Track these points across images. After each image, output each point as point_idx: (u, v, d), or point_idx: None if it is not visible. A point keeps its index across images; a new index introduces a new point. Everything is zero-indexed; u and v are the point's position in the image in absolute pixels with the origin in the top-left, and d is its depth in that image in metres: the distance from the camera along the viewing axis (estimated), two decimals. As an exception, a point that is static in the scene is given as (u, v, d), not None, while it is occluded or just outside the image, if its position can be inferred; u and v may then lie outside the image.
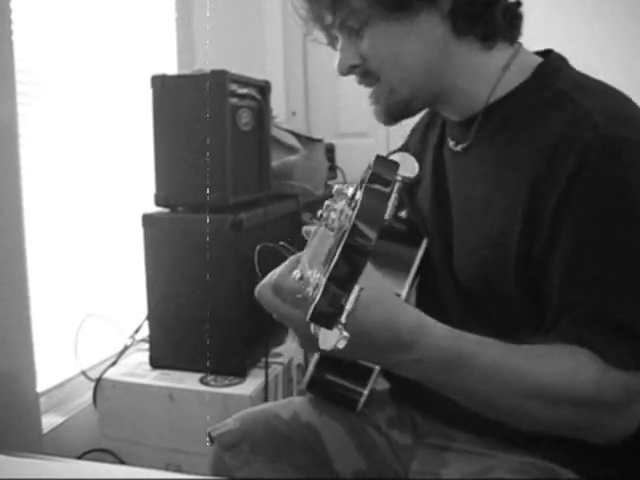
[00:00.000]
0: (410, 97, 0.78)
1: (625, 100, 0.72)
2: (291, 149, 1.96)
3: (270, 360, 1.62)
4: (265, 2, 2.79)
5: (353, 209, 0.47)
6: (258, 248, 0.69)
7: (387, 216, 0.47)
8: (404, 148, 1.03)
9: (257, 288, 0.68)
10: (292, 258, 0.66)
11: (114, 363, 1.72)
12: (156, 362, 1.66)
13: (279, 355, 1.73)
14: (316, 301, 0.44)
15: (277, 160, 1.89)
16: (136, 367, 1.67)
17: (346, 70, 0.79)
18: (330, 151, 2.50)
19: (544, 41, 0.81)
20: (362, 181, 0.50)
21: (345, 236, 0.45)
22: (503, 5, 0.75)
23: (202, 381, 1.58)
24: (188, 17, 2.26)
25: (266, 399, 1.55)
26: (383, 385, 0.95)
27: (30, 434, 1.45)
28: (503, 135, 0.76)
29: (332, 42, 0.81)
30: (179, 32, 2.23)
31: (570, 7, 2.16)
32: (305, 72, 2.88)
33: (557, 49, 0.80)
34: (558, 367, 0.65)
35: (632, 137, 0.66)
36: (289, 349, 1.77)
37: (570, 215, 0.66)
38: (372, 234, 0.45)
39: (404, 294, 0.85)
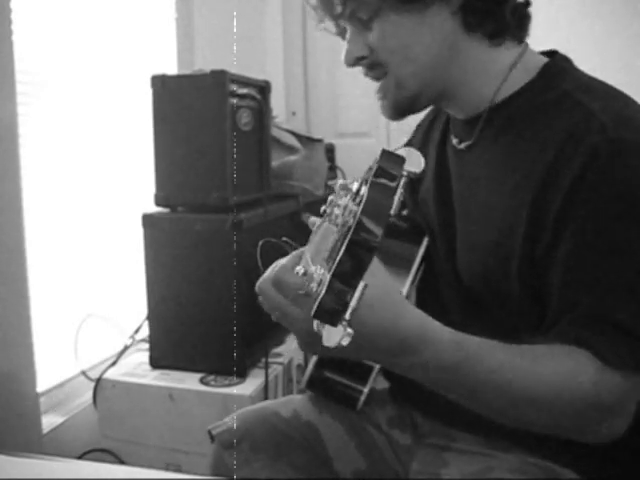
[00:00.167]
0: (417, 92, 0.78)
1: (628, 101, 0.72)
2: (291, 149, 1.96)
3: (270, 360, 1.62)
4: (265, 2, 2.80)
5: (358, 204, 0.46)
6: (261, 243, 0.69)
7: (393, 211, 0.47)
8: (409, 145, 1.03)
9: (258, 283, 0.67)
10: (294, 253, 0.66)
11: (114, 363, 1.72)
12: (156, 362, 1.66)
13: (279, 355, 1.73)
14: (320, 297, 0.44)
15: (277, 160, 1.89)
16: (136, 367, 1.67)
17: (353, 61, 0.79)
18: (330, 151, 2.50)
19: (544, 41, 0.81)
20: (367, 176, 0.50)
21: (350, 231, 0.44)
22: (512, 4, 0.75)
23: (202, 381, 1.58)
24: (188, 17, 2.26)
25: (266, 399, 1.55)
26: (383, 384, 0.95)
27: (30, 434, 1.45)
28: (507, 135, 0.76)
29: (341, 33, 0.80)
30: (179, 32, 2.23)
31: (570, 7, 2.16)
32: (305, 72, 2.89)
33: (557, 49, 0.80)
34: (557, 368, 0.65)
35: (637, 139, 0.66)
36: (289, 349, 1.78)
37: (573, 216, 0.66)
38: (378, 229, 0.44)
39: (405, 292, 0.85)
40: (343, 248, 0.44)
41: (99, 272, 1.81)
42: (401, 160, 0.50)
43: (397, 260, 0.88)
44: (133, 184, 1.90)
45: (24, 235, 1.41)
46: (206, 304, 1.59)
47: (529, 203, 0.70)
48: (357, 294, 0.44)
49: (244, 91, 1.64)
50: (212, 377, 1.59)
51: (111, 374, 1.64)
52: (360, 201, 0.46)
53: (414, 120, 0.95)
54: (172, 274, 1.62)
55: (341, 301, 0.44)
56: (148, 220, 1.62)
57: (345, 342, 0.45)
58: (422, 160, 0.69)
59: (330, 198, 0.56)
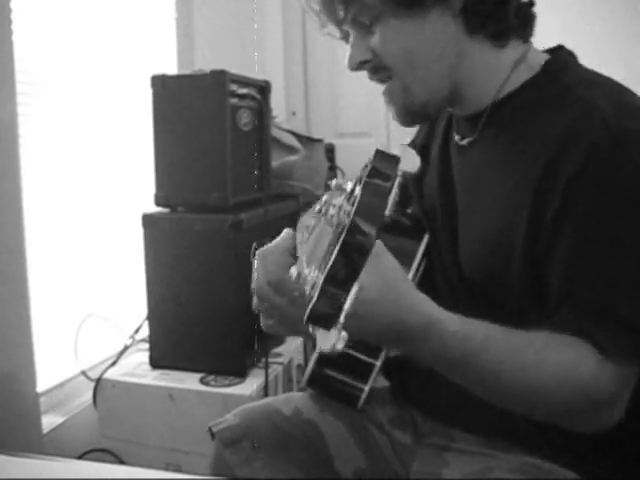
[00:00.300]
0: (426, 99, 0.78)
1: (630, 93, 0.72)
2: (291, 149, 1.96)
3: (270, 360, 1.62)
4: (265, 2, 2.79)
5: (352, 204, 0.46)
6: (254, 245, 0.68)
7: (388, 212, 0.46)
8: (412, 143, 1.03)
9: (254, 285, 0.67)
10: (284, 247, 0.65)
11: (114, 363, 1.72)
12: (156, 362, 1.66)
13: (279, 355, 1.73)
14: (313, 302, 0.43)
15: (277, 160, 1.89)
16: (136, 367, 1.67)
17: (356, 65, 0.79)
18: (330, 151, 2.50)
19: (544, 41, 0.81)
20: (361, 176, 0.49)
21: (343, 233, 0.44)
22: (515, 5, 0.75)
23: (202, 381, 1.58)
24: (188, 17, 2.26)
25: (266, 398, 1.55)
26: (383, 382, 0.95)
27: (30, 434, 1.45)
28: (509, 132, 0.76)
29: (345, 37, 0.80)
30: (179, 32, 2.23)
31: (570, 7, 2.16)
32: (305, 72, 2.88)
33: (563, 44, 0.80)
34: (559, 359, 0.65)
35: (638, 128, 0.66)
36: (289, 349, 1.78)
37: (574, 211, 0.66)
38: (371, 231, 0.44)
39: None
40: (336, 251, 0.43)
41: (99, 272, 1.80)
42: (396, 160, 0.50)
43: (399, 256, 0.88)
44: (133, 184, 1.90)
45: (24, 235, 1.41)
46: (206, 304, 1.59)
47: (530, 202, 0.70)
48: (350, 298, 0.43)
49: (244, 91, 1.64)
50: (212, 377, 1.59)
51: (111, 374, 1.64)
52: (354, 201, 0.46)
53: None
54: (172, 274, 1.62)
55: (334, 305, 0.43)
56: (148, 220, 1.62)
57: (340, 346, 0.44)
58: (417, 159, 0.68)
59: (325, 197, 0.56)
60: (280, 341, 1.79)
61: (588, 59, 0.79)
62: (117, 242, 1.86)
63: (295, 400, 0.92)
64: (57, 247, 1.66)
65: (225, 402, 1.50)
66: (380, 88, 0.81)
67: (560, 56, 0.78)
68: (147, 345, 1.70)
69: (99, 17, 1.80)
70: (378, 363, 0.85)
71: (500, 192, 0.74)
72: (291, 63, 2.85)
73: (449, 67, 0.76)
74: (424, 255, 0.89)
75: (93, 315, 1.77)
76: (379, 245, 0.56)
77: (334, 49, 2.41)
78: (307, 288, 0.47)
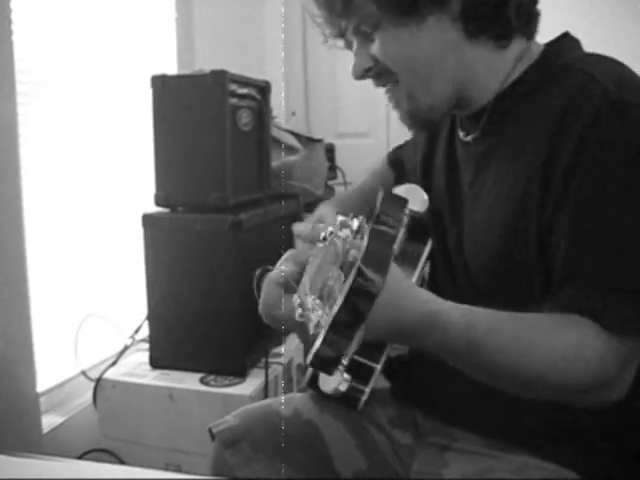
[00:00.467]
0: (431, 104, 0.78)
1: (629, 70, 0.72)
2: (291, 149, 1.96)
3: (270, 360, 1.62)
4: (265, 2, 2.80)
5: (358, 238, 0.45)
6: (258, 272, 0.68)
7: (393, 256, 0.45)
8: (412, 141, 1.02)
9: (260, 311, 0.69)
10: (288, 272, 0.65)
11: (114, 363, 1.72)
12: (156, 362, 1.66)
13: (279, 355, 1.73)
14: (316, 348, 0.43)
15: (277, 160, 1.89)
16: (136, 367, 1.67)
17: (360, 74, 0.79)
18: (330, 151, 2.50)
19: (543, 40, 0.81)
20: (369, 214, 0.48)
21: (349, 281, 0.43)
22: (516, 4, 0.74)
23: (202, 381, 1.58)
24: (188, 17, 2.26)
25: (266, 399, 1.55)
26: (383, 383, 0.94)
27: (30, 434, 1.45)
28: (514, 118, 0.76)
29: (349, 46, 0.81)
30: (179, 32, 2.23)
31: (570, 7, 2.16)
32: (305, 72, 2.89)
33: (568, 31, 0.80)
34: (564, 342, 0.65)
35: (636, 102, 0.66)
36: (289, 349, 1.78)
37: (577, 179, 0.67)
38: (378, 278, 0.43)
39: None
40: (341, 299, 0.43)
41: (99, 272, 1.81)
42: (403, 202, 0.49)
43: (402, 259, 0.88)
44: (133, 184, 1.90)
45: (24, 235, 1.41)
46: (206, 304, 1.60)
47: (540, 172, 0.70)
48: (355, 343, 0.43)
49: (244, 91, 1.64)
50: (212, 377, 1.59)
51: (111, 374, 1.64)
52: (362, 239, 0.45)
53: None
54: (172, 274, 1.62)
55: (338, 351, 0.43)
56: (148, 220, 1.62)
57: (343, 388, 0.44)
58: (425, 197, 0.68)
59: (330, 229, 0.55)
60: (280, 341, 1.79)
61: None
62: (117, 242, 1.86)
63: (295, 401, 0.92)
64: (57, 247, 1.66)
65: (225, 402, 1.50)
66: (380, 89, 0.82)
67: (558, 41, 0.78)
68: (147, 345, 1.70)
69: (99, 17, 1.80)
70: (379, 366, 0.85)
71: (510, 176, 0.74)
72: (291, 63, 2.85)
73: (451, 72, 0.76)
74: (428, 258, 0.88)
75: (93, 315, 1.77)
76: None
77: (334, 49, 2.41)
78: (311, 326, 0.46)
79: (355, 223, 0.51)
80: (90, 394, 1.66)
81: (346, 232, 0.51)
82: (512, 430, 0.79)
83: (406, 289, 0.62)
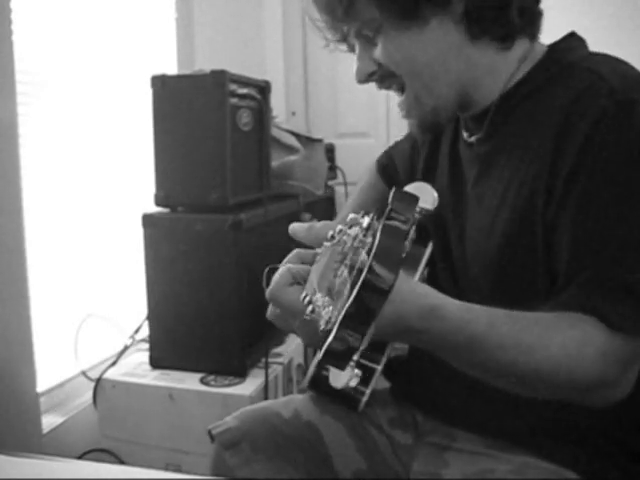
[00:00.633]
0: (435, 105, 0.78)
1: (632, 67, 0.72)
2: (291, 149, 1.96)
3: (270, 360, 1.62)
4: (265, 2, 2.79)
5: (368, 237, 0.45)
6: (266, 270, 0.68)
7: (405, 254, 0.45)
8: (405, 140, 1.02)
9: (268, 315, 0.69)
10: (294, 270, 0.65)
11: (114, 363, 1.72)
12: (156, 362, 1.66)
13: (279, 355, 1.73)
14: (328, 343, 0.43)
15: (277, 160, 1.89)
16: (136, 367, 1.67)
17: (364, 78, 0.79)
18: (330, 151, 2.50)
19: (548, 40, 0.81)
20: (378, 212, 0.48)
21: (361, 277, 0.43)
22: (518, 6, 0.74)
23: (202, 381, 1.58)
24: (188, 17, 2.26)
25: (266, 399, 1.55)
26: (383, 384, 0.94)
27: (30, 434, 1.45)
28: (518, 118, 0.76)
29: (351, 49, 0.81)
30: (179, 32, 2.23)
31: (569, 7, 2.16)
32: (305, 72, 2.88)
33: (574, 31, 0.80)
34: (565, 341, 0.64)
35: None
36: (289, 349, 1.78)
37: (582, 178, 0.66)
38: (390, 275, 0.43)
39: None
40: (353, 295, 0.43)
41: (99, 272, 1.81)
42: (414, 200, 0.49)
43: (404, 261, 0.87)
44: (133, 184, 1.90)
45: (24, 235, 1.41)
46: (206, 304, 1.60)
47: (546, 172, 0.69)
48: (366, 340, 0.43)
49: (244, 91, 1.64)
50: (212, 377, 1.59)
51: (111, 374, 1.64)
52: (372, 236, 0.45)
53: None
54: (172, 274, 1.62)
55: (349, 347, 0.43)
56: (148, 220, 1.62)
57: (353, 383, 0.44)
58: (435, 195, 0.67)
59: (339, 227, 0.55)
60: (280, 341, 1.79)
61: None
62: (117, 242, 1.86)
63: (295, 402, 0.92)
64: (57, 247, 1.66)
65: (225, 402, 1.50)
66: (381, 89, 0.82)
67: (564, 41, 0.78)
68: (147, 345, 1.70)
69: (99, 17, 1.80)
70: (379, 367, 0.85)
71: (515, 177, 0.74)
72: (291, 63, 2.85)
73: (455, 74, 0.76)
74: (429, 260, 0.88)
75: (93, 315, 1.77)
76: None
77: (334, 49, 2.41)
78: (322, 323, 0.46)
79: (366, 220, 0.50)
80: (90, 394, 1.66)
81: (356, 230, 0.51)
82: (512, 430, 0.79)
83: (405, 284, 0.62)
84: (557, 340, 0.64)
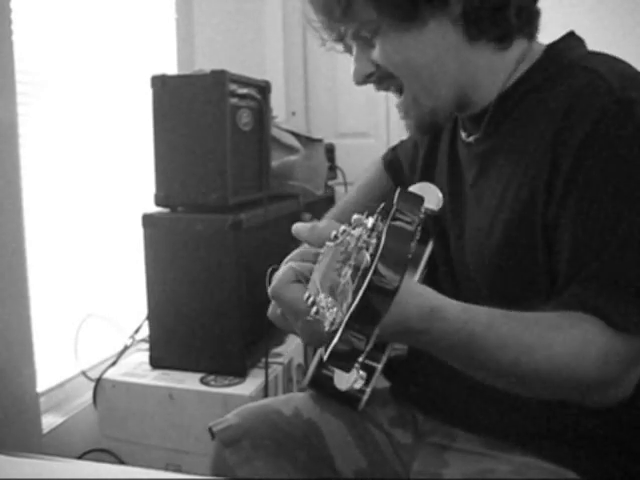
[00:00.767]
0: (433, 106, 0.78)
1: (630, 66, 0.72)
2: (291, 149, 1.96)
3: (270, 360, 1.62)
4: (265, 2, 2.80)
5: (373, 238, 0.45)
6: (269, 271, 0.67)
7: (410, 255, 0.45)
8: (409, 140, 1.02)
9: (269, 315, 0.69)
10: (298, 268, 0.65)
11: (114, 363, 1.72)
12: (156, 362, 1.66)
13: (279, 355, 1.73)
14: (333, 345, 0.43)
15: (277, 160, 1.89)
16: (136, 367, 1.67)
17: (362, 79, 0.79)
18: (330, 151, 2.50)
19: (547, 40, 0.81)
20: (383, 213, 0.48)
21: (366, 280, 0.42)
22: (516, 6, 0.74)
23: (202, 381, 1.58)
24: (188, 17, 2.26)
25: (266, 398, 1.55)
26: (383, 383, 0.95)
27: (30, 434, 1.45)
28: (516, 118, 0.76)
29: (348, 50, 0.81)
30: (179, 32, 2.23)
31: (568, 6, 2.16)
32: (305, 72, 2.89)
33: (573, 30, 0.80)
34: (566, 340, 0.64)
35: None
36: (289, 349, 1.78)
37: (581, 178, 0.66)
38: (396, 277, 0.43)
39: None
40: (359, 297, 0.42)
41: (99, 272, 1.81)
42: (420, 200, 0.48)
43: None
44: (133, 184, 1.90)
45: (24, 235, 1.41)
46: (206, 304, 1.60)
47: (546, 171, 0.69)
48: (371, 341, 0.43)
49: (244, 91, 1.64)
50: (212, 377, 1.59)
51: (111, 374, 1.64)
52: (377, 237, 0.44)
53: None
54: (172, 274, 1.62)
55: (354, 349, 0.43)
56: (148, 220, 1.62)
57: (358, 385, 0.44)
58: (440, 195, 0.67)
59: (342, 228, 0.55)
60: (280, 341, 1.79)
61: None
62: (117, 242, 1.86)
63: (295, 400, 0.92)
64: (57, 247, 1.66)
65: (225, 402, 1.50)
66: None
67: (562, 40, 0.78)
68: (147, 345, 1.70)
69: (99, 17, 1.80)
70: (380, 366, 0.85)
71: (515, 177, 0.74)
72: (291, 63, 2.85)
73: (453, 74, 0.76)
74: (429, 259, 0.88)
75: (93, 315, 1.77)
76: None
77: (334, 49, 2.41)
78: (326, 324, 0.46)
79: (370, 221, 0.50)
80: (90, 394, 1.66)
81: (359, 230, 0.50)
82: (512, 430, 0.79)
83: (404, 284, 0.61)
84: (558, 340, 0.64)
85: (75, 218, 1.72)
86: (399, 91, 0.79)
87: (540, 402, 0.70)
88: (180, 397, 1.55)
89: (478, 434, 0.82)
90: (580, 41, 0.78)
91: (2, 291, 1.36)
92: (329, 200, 2.39)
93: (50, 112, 1.63)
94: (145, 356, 1.69)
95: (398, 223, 0.45)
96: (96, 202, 1.78)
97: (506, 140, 0.77)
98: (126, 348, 1.78)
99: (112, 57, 1.84)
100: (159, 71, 1.62)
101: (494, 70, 0.77)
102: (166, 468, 1.57)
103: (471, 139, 0.82)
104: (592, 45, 0.78)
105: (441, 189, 0.88)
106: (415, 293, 0.61)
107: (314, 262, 0.60)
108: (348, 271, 0.47)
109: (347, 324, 0.42)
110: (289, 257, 0.69)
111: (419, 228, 0.47)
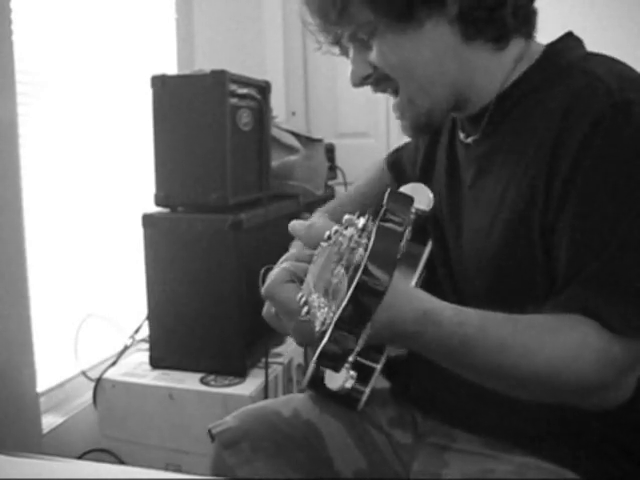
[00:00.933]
0: (430, 107, 0.78)
1: (629, 67, 0.72)
2: (291, 149, 1.96)
3: (270, 360, 1.62)
4: (265, 2, 2.79)
5: (364, 238, 0.45)
6: (263, 271, 0.68)
7: (400, 255, 0.45)
8: (412, 142, 1.02)
9: (264, 314, 0.68)
10: (292, 269, 0.65)
11: (114, 363, 1.72)
12: (156, 362, 1.66)
13: (279, 355, 1.73)
14: (323, 344, 0.43)
15: (277, 160, 1.89)
16: (136, 367, 1.67)
17: (359, 81, 0.79)
18: (330, 151, 2.50)
19: (545, 40, 0.81)
20: (374, 213, 0.48)
21: (355, 278, 0.43)
22: (512, 5, 0.74)
23: (202, 381, 1.58)
24: (188, 17, 2.26)
25: (266, 399, 1.55)
26: (383, 383, 0.94)
27: (30, 434, 1.45)
28: (515, 119, 0.76)
29: (344, 53, 0.80)
30: (179, 32, 2.23)
31: (569, 6, 2.16)
32: (305, 72, 2.88)
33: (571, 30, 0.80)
34: (562, 343, 0.64)
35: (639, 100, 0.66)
36: (289, 349, 1.78)
37: (580, 179, 0.66)
38: (385, 276, 0.43)
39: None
40: (348, 296, 0.43)
41: (99, 272, 1.81)
42: (409, 201, 0.48)
43: (403, 260, 0.87)
44: (133, 184, 1.90)
45: (24, 235, 1.41)
46: (206, 304, 1.60)
47: (545, 173, 0.69)
48: (361, 341, 0.43)
49: (244, 91, 1.64)
50: (212, 377, 1.59)
51: (111, 374, 1.64)
52: (368, 237, 0.45)
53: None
54: (172, 274, 1.62)
55: (345, 348, 0.43)
56: (148, 220, 1.62)
57: (349, 385, 0.44)
58: (431, 196, 0.67)
59: (335, 228, 0.55)
60: (280, 341, 1.79)
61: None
62: (117, 242, 1.86)
63: (294, 401, 0.92)
64: (57, 247, 1.66)
65: (225, 402, 1.50)
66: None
67: (561, 41, 0.78)
68: (147, 345, 1.70)
69: (99, 17, 1.80)
70: (378, 367, 0.85)
71: (513, 178, 0.74)
72: (291, 63, 2.85)
73: (450, 75, 0.76)
74: (428, 260, 0.88)
75: (93, 315, 1.77)
76: None
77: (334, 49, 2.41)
78: (317, 324, 0.46)
79: (361, 221, 0.50)
80: (90, 394, 1.66)
81: (351, 231, 0.50)
82: (512, 430, 0.79)
83: (399, 287, 0.62)
84: (553, 342, 0.64)
85: (75, 218, 1.72)
86: (396, 92, 0.79)
87: (540, 402, 0.70)
88: (180, 397, 1.55)
89: (478, 434, 0.82)
90: (578, 41, 0.78)
91: (2, 291, 1.36)
92: (329, 200, 2.39)
93: (50, 112, 1.63)
94: (145, 356, 1.69)
95: (387, 224, 0.46)
96: (96, 202, 1.78)
97: (505, 141, 0.77)
98: (126, 348, 1.78)
99: (112, 57, 1.84)
100: (159, 71, 1.62)
101: (491, 70, 0.77)
102: (166, 468, 1.57)
103: (470, 140, 0.82)
104: (590, 45, 0.78)
105: (439, 190, 0.89)
106: (409, 296, 0.61)
107: (309, 263, 0.60)
108: (341, 271, 0.47)
109: (336, 324, 0.43)
110: (284, 257, 0.69)
111: (409, 228, 0.47)
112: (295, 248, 0.83)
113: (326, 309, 0.46)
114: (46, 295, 1.59)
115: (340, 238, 0.51)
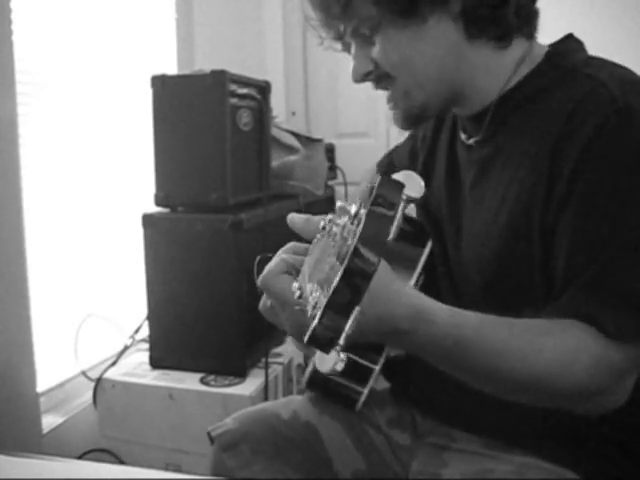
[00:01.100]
0: (425, 101, 0.78)
1: (632, 72, 0.72)
2: (291, 149, 1.96)
3: (270, 360, 1.62)
4: (265, 2, 2.80)
5: (356, 226, 0.46)
6: (257, 259, 0.68)
7: (390, 238, 0.46)
8: (406, 143, 1.02)
9: (260, 307, 0.68)
10: (289, 260, 0.65)
11: (114, 363, 1.72)
12: (156, 362, 1.66)
13: (279, 355, 1.73)
14: (314, 325, 0.44)
15: (277, 160, 1.89)
16: (136, 367, 1.67)
17: (360, 77, 0.79)
18: (330, 151, 2.50)
19: (542, 39, 0.81)
20: (365, 199, 0.49)
21: (346, 260, 0.44)
22: (515, 5, 0.74)
23: (202, 381, 1.58)
24: (188, 17, 2.26)
25: (266, 399, 1.55)
26: (383, 384, 0.95)
27: (30, 434, 1.45)
28: (517, 122, 0.76)
29: (346, 49, 0.80)
30: (179, 32, 2.23)
31: (569, 6, 2.16)
32: (305, 72, 2.89)
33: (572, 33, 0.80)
34: (557, 348, 0.64)
35: None
36: (289, 349, 1.78)
37: (580, 184, 0.66)
38: (374, 258, 0.44)
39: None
40: (338, 277, 0.43)
41: (99, 272, 1.81)
42: (400, 186, 0.49)
43: (401, 262, 0.87)
44: (133, 184, 1.90)
45: (24, 235, 1.41)
46: (206, 304, 1.60)
47: (546, 177, 0.69)
48: (350, 322, 0.44)
49: (244, 91, 1.64)
50: (212, 377, 1.59)
51: (111, 374, 1.64)
52: (357, 226, 0.46)
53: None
54: (172, 274, 1.62)
55: (335, 329, 0.44)
56: (148, 220, 1.62)
57: (339, 368, 0.45)
58: (422, 184, 0.67)
59: (329, 216, 0.56)
60: (280, 341, 1.79)
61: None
62: (117, 242, 1.86)
63: (293, 403, 0.93)
64: (57, 247, 1.66)
65: (225, 402, 1.50)
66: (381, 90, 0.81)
67: (562, 43, 0.78)
68: (147, 345, 1.70)
69: (99, 17, 1.80)
70: (377, 367, 0.85)
71: (515, 181, 0.74)
72: (291, 63, 2.85)
73: (450, 72, 0.76)
74: (427, 262, 0.88)
75: (93, 315, 1.77)
76: None
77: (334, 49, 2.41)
78: (309, 308, 0.47)
79: (353, 208, 0.51)
80: (90, 394, 1.66)
81: (345, 219, 0.51)
82: (511, 430, 0.79)
83: (393, 284, 0.61)
84: (551, 346, 0.64)
85: (75, 218, 1.72)
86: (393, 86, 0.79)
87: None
88: (180, 397, 1.55)
89: (477, 434, 0.82)
90: (580, 44, 0.78)
91: (2, 291, 1.36)
92: (329, 200, 2.39)
93: (50, 112, 1.63)
94: (145, 356, 1.69)
95: (378, 208, 0.47)
96: (96, 202, 1.78)
97: (506, 143, 0.77)
98: (126, 348, 1.78)
99: (112, 57, 1.84)
100: (159, 71, 1.62)
101: (492, 70, 0.77)
102: (166, 468, 1.57)
103: (471, 141, 0.82)
104: (590, 45, 0.78)
105: (440, 191, 0.89)
106: (403, 293, 0.61)
107: (306, 255, 0.61)
108: (333, 260, 0.48)
109: (327, 304, 0.43)
110: (281, 250, 0.69)
111: (400, 213, 0.48)
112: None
113: (318, 293, 0.46)
114: (46, 295, 1.59)
115: (335, 228, 0.52)
